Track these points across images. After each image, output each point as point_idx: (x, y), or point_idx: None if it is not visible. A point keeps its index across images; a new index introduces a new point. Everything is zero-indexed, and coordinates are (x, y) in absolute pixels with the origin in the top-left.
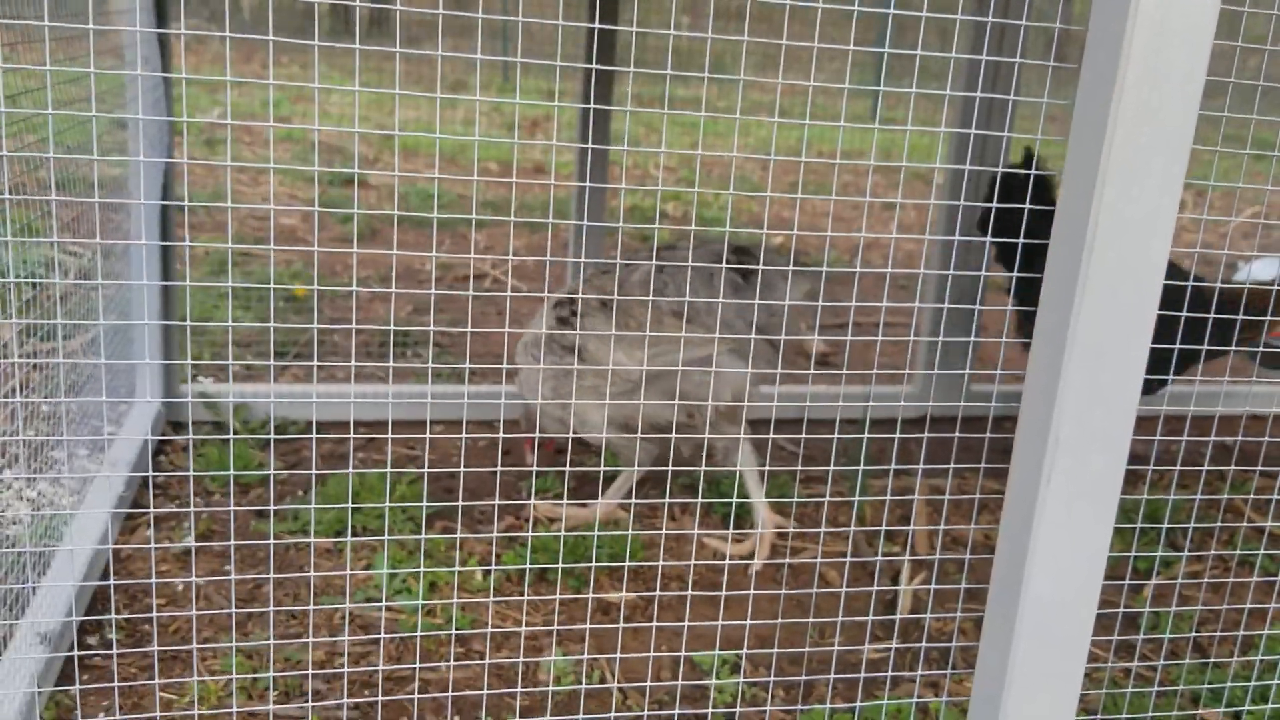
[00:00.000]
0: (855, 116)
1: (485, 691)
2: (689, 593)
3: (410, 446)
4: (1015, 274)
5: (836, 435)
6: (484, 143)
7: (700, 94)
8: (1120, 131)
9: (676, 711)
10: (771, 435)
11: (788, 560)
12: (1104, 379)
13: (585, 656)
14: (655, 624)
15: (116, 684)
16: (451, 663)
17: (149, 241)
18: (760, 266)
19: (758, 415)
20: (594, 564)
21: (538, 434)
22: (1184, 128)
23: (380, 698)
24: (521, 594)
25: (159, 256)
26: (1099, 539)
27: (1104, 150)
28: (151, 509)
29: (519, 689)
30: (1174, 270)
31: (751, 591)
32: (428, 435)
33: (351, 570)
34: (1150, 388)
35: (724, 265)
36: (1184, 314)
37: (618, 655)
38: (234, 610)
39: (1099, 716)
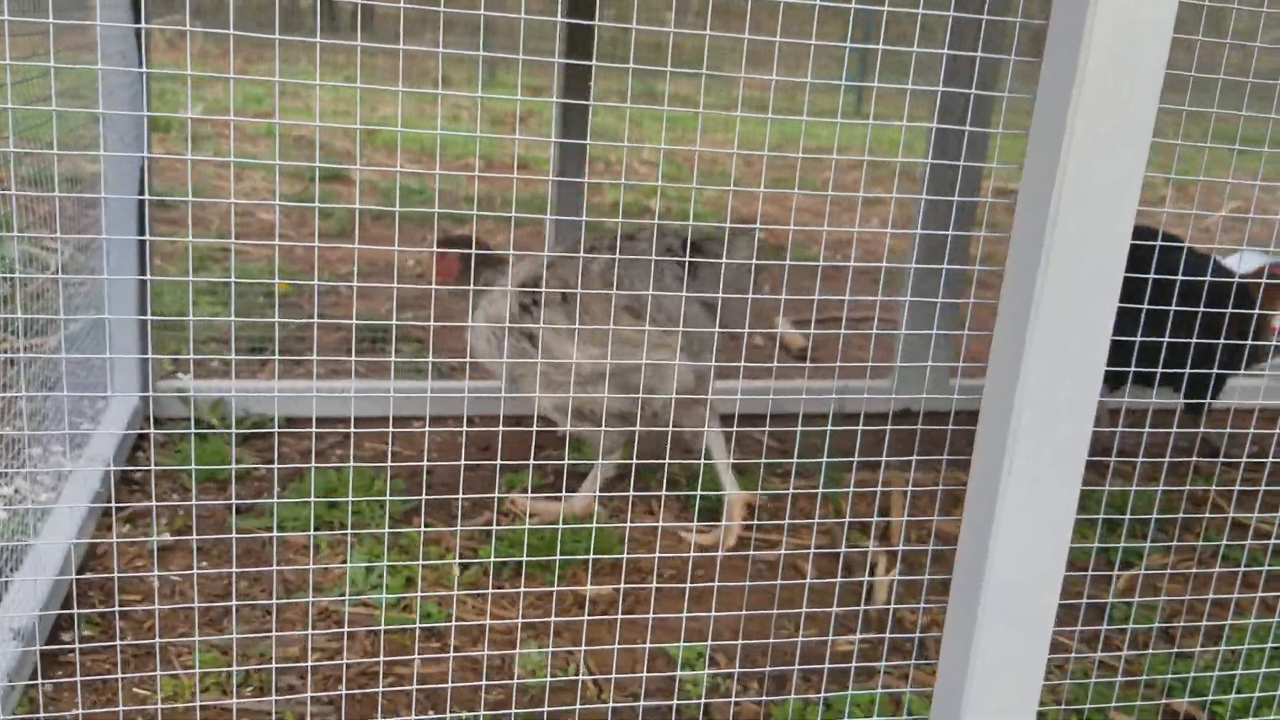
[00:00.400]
0: (839, 111)
1: (450, 684)
2: (654, 585)
3: (388, 442)
4: None
5: (800, 429)
6: (464, 138)
7: (684, 90)
8: (1082, 118)
9: (643, 704)
10: (736, 428)
11: (753, 553)
12: (1070, 347)
13: (552, 649)
14: (623, 617)
15: (79, 678)
16: (415, 656)
17: (112, 236)
18: (701, 259)
19: (723, 408)
20: (557, 557)
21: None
22: (1147, 103)
23: (345, 691)
24: (497, 588)
25: (135, 253)
26: (1064, 511)
27: (1067, 125)
28: (112, 503)
29: (486, 681)
30: (1219, 269)
31: (716, 585)
32: (389, 431)
33: (326, 565)
34: (1219, 385)
35: (673, 260)
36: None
37: (583, 647)
38: (195, 605)
39: (1065, 707)
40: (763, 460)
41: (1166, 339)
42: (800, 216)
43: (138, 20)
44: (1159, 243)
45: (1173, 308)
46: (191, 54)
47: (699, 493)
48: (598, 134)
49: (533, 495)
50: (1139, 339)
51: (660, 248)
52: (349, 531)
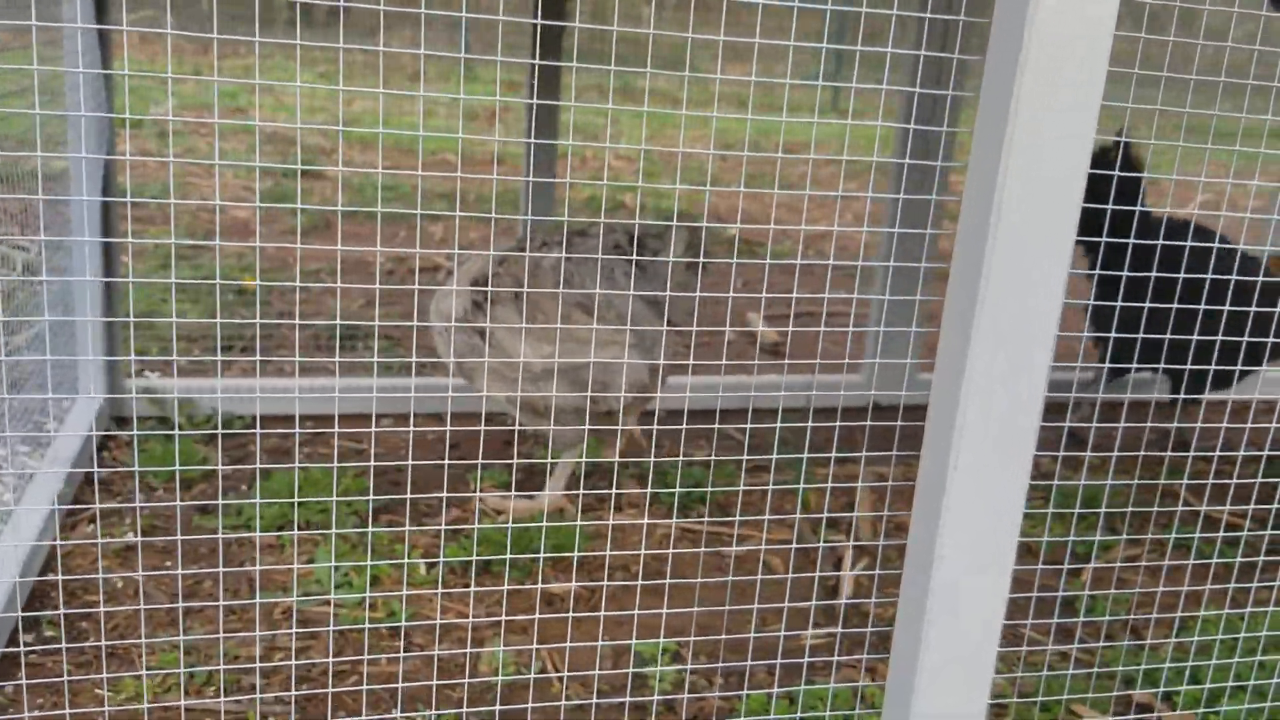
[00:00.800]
0: (814, 107)
1: (402, 684)
2: (605, 583)
3: (357, 440)
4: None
5: (749, 426)
6: (436, 135)
7: (662, 85)
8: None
9: (598, 700)
10: (677, 423)
11: (697, 548)
12: (1015, 339)
13: (504, 648)
14: (583, 614)
15: (24, 681)
16: (365, 656)
17: (50, 238)
18: (645, 257)
19: (673, 404)
20: (507, 556)
21: None
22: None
23: (296, 692)
24: (464, 586)
25: (100, 250)
26: (1011, 504)
27: (1010, 111)
28: (55, 506)
29: (449, 680)
30: (1247, 262)
31: (667, 579)
32: (336, 431)
33: (293, 565)
34: (1219, 378)
35: (620, 257)
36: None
37: (534, 645)
38: (142, 607)
39: (1022, 699)
40: (712, 456)
41: (1194, 336)
42: (775, 213)
43: (101, 17)
44: (1189, 243)
45: (1194, 305)
46: (164, 49)
47: (677, 489)
48: (575, 129)
49: (502, 495)
50: (1168, 337)
51: (608, 245)
52: (294, 533)
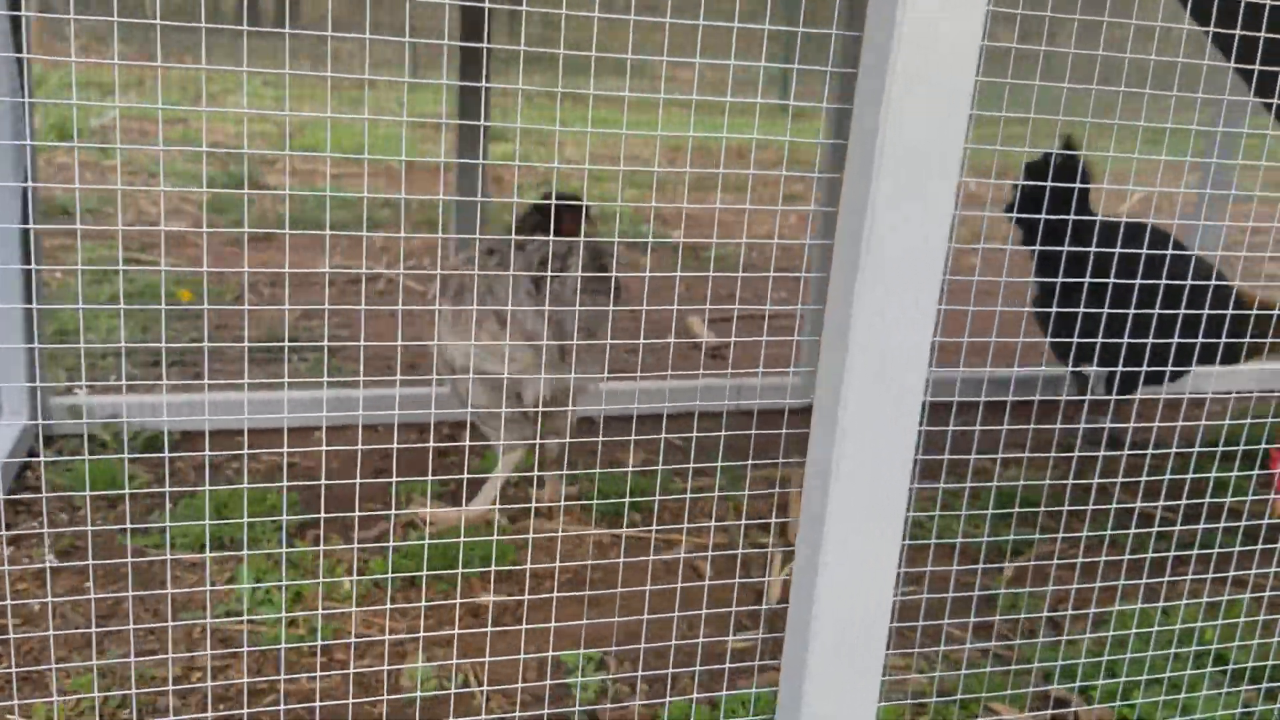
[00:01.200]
0: (765, 110)
1: (317, 703)
2: (515, 596)
3: (287, 455)
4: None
5: (672, 431)
6: (377, 144)
7: (615, 87)
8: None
9: (520, 711)
10: (613, 427)
11: (635, 556)
12: (887, 367)
13: (424, 663)
14: (492, 627)
15: None
16: (280, 676)
17: None
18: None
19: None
20: (424, 573)
21: None
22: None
23: (208, 716)
24: (389, 602)
25: (20, 265)
26: (895, 498)
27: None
28: None
29: (367, 697)
30: (1201, 267)
31: (595, 589)
32: (247, 452)
33: (213, 584)
34: (1174, 376)
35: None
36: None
37: (450, 659)
38: (50, 634)
39: (941, 699)
40: (618, 466)
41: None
42: (722, 215)
43: (16, 29)
44: (1151, 251)
45: (1155, 310)
46: (109, 59)
47: (629, 500)
48: (524, 134)
49: (436, 510)
50: (1125, 340)
51: (521, 262)
52: (208, 554)
